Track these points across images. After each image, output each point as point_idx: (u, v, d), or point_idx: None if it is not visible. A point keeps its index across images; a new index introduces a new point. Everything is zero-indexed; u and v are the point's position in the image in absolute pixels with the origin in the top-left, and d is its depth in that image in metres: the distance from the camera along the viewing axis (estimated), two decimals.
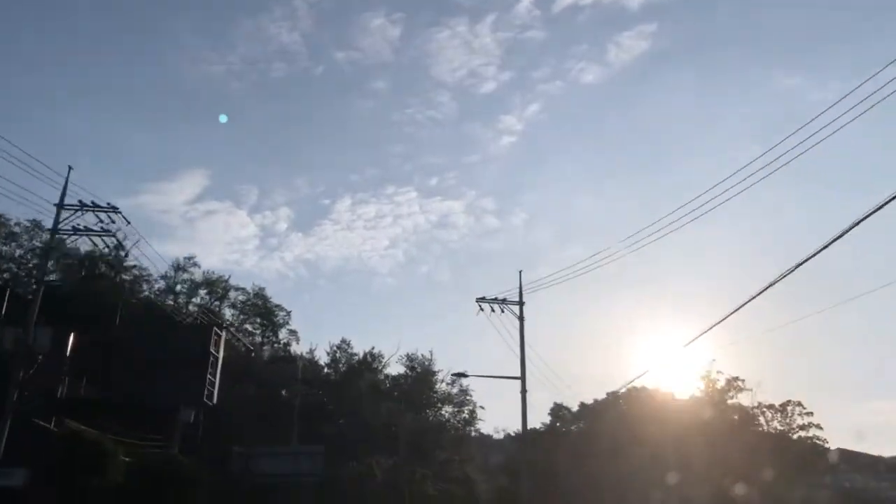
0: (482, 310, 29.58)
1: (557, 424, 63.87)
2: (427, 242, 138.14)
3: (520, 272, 30.08)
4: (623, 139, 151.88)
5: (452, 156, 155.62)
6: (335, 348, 58.15)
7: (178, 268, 50.11)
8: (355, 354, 58.21)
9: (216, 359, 34.15)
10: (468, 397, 61.02)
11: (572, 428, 63.86)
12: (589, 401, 61.80)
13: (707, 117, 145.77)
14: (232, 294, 53.09)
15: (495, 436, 69.58)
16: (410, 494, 39.41)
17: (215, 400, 33.51)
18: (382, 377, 59.15)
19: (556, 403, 62.60)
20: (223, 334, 36.22)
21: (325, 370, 57.18)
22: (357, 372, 55.68)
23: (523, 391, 28.69)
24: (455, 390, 62.13)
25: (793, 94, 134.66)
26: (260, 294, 54.79)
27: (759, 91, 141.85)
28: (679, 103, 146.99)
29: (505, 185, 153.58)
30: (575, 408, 62.43)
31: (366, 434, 44.87)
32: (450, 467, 51.99)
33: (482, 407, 61.60)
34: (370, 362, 58.21)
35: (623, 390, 54.71)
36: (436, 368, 60.11)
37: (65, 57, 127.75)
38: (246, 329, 54.23)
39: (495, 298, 29.55)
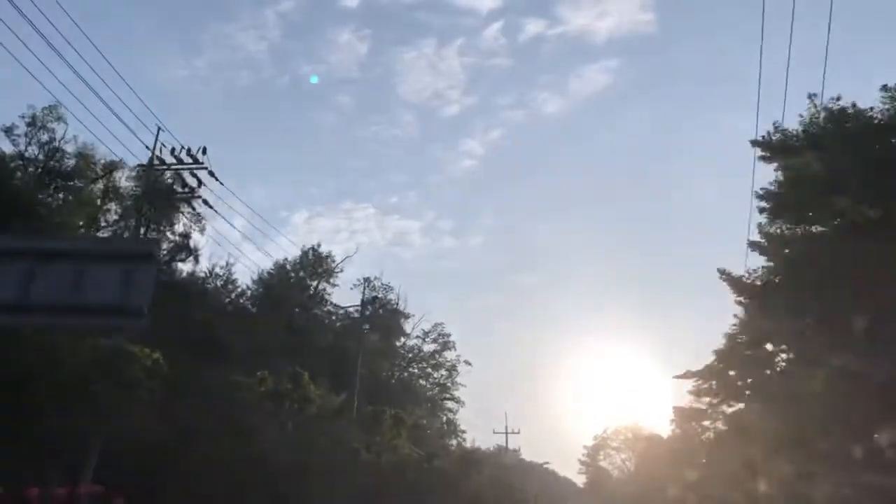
0: None
1: None
2: (382, 260, 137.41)
3: None
4: (581, 170, 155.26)
5: (413, 175, 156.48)
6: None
7: None
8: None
9: None
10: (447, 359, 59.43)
11: None
12: None
13: (663, 154, 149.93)
14: None
15: None
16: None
17: None
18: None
19: None
20: None
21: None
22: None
23: None
24: (431, 346, 60.95)
25: (748, 134, 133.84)
26: None
27: (714, 131, 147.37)
28: (637, 139, 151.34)
29: (464, 208, 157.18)
30: None
31: None
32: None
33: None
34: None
35: None
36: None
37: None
38: None
39: None
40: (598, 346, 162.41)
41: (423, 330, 60.20)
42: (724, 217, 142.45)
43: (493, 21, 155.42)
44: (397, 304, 55.56)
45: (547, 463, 69.03)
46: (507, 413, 73.22)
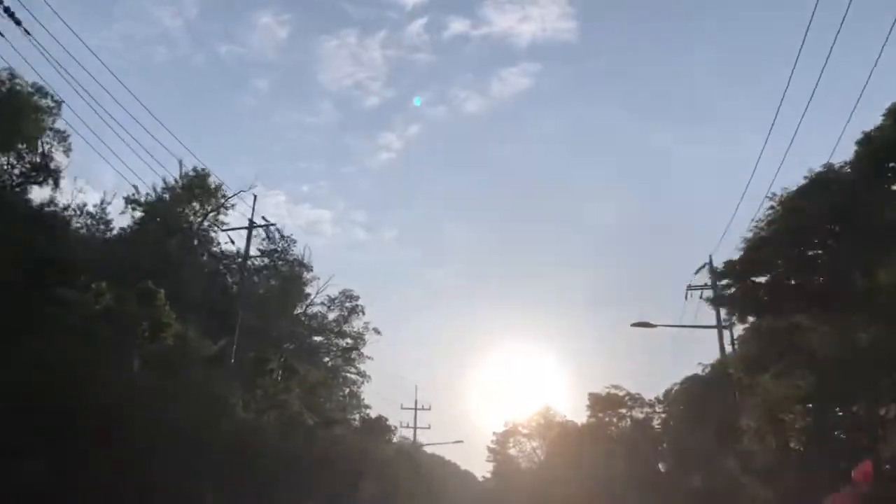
0: None
1: None
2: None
3: None
4: (498, 171, 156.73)
5: (328, 165, 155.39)
6: None
7: None
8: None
9: None
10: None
11: None
12: None
13: (579, 161, 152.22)
14: None
15: None
16: None
17: None
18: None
19: None
20: None
21: None
22: None
23: None
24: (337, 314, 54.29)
25: (663, 149, 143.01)
26: None
27: (629, 142, 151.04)
28: (554, 144, 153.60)
29: (378, 201, 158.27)
30: None
31: None
32: None
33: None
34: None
35: None
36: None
37: None
38: None
39: None
40: (510, 343, 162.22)
41: (328, 296, 53.12)
42: (632, 225, 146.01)
43: (418, 16, 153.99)
44: (302, 258, 48.39)
45: (459, 441, 63.07)
46: (417, 386, 65.85)
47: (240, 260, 31.10)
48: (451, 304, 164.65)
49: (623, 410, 65.50)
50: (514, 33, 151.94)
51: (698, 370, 35.42)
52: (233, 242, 30.41)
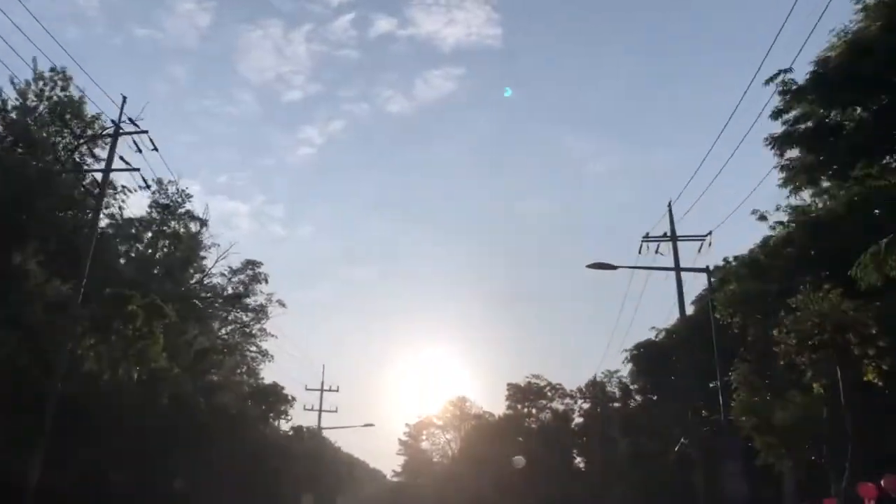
0: None
1: None
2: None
3: None
4: (418, 172, 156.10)
5: (246, 157, 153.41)
6: None
7: None
8: None
9: None
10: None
11: None
12: None
13: (497, 165, 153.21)
14: None
15: None
16: None
17: None
18: None
19: None
20: None
21: None
22: None
23: None
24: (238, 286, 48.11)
25: (578, 157, 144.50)
26: None
27: (546, 149, 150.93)
28: (477, 147, 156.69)
29: (296, 196, 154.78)
30: None
31: None
32: None
33: None
34: None
35: None
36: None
37: None
38: None
39: None
40: (428, 342, 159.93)
41: (229, 267, 46.62)
42: (552, 227, 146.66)
43: (345, 13, 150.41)
44: (202, 218, 42.21)
45: (370, 424, 57.66)
46: (324, 366, 59.45)
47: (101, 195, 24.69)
48: (368, 303, 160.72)
49: (543, 401, 62.69)
50: (440, 36, 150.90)
51: (651, 336, 31.59)
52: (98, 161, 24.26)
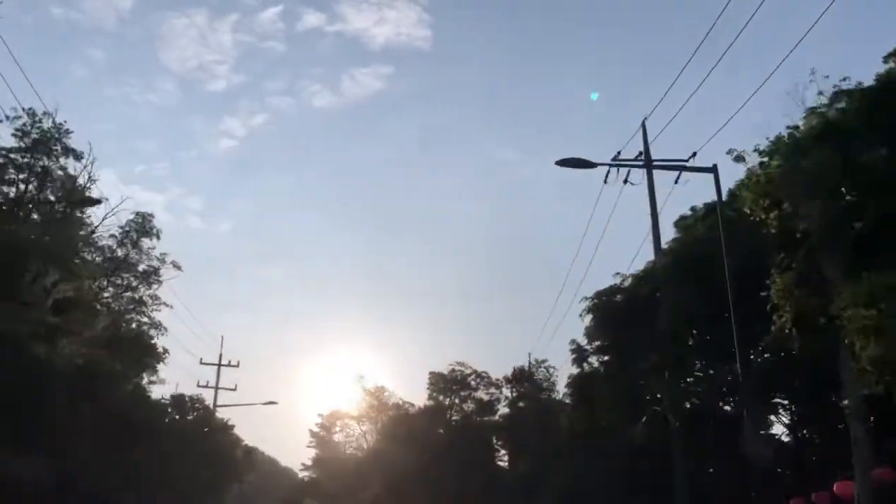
0: None
1: None
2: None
3: None
4: (342, 170, 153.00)
5: (164, 146, 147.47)
6: None
7: None
8: None
9: None
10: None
11: None
12: None
13: (424, 168, 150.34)
14: None
15: None
16: None
17: None
18: None
19: None
20: None
21: None
22: None
23: None
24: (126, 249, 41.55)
25: (509, 162, 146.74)
26: None
27: (476, 151, 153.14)
28: (402, 148, 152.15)
29: (216, 189, 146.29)
30: None
31: None
32: None
33: None
34: None
35: None
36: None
37: None
38: None
39: None
40: (347, 341, 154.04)
41: (119, 229, 39.84)
42: (469, 234, 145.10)
43: (272, 4, 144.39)
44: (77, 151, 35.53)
45: (272, 402, 52.07)
46: (223, 338, 52.62)
47: None
48: (285, 301, 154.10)
49: (467, 392, 58.78)
50: (369, 34, 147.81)
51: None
52: None
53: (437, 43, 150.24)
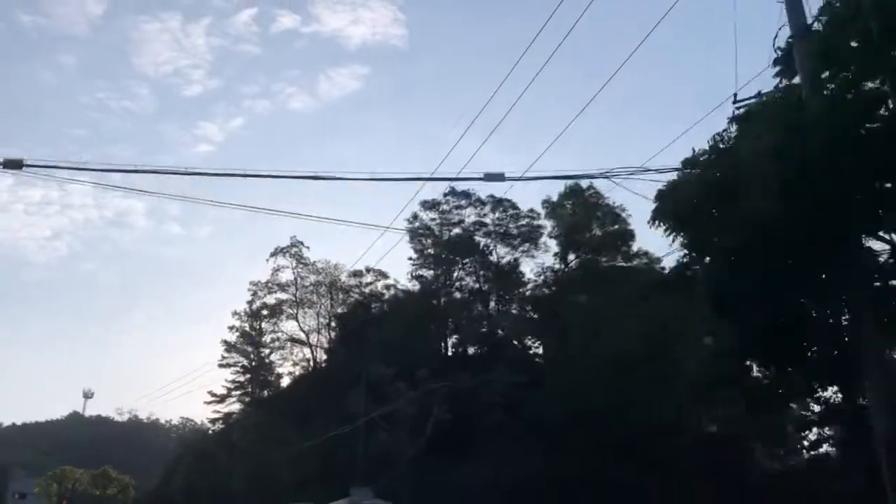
0: None
1: None
2: (97, 240, 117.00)
3: None
4: (320, 170, 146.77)
5: (142, 153, 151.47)
6: None
7: None
8: None
9: None
10: None
11: None
12: None
13: (400, 166, 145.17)
14: None
15: None
16: None
17: None
18: None
19: None
20: None
21: None
22: None
23: None
24: None
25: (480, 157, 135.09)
26: None
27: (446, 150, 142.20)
28: (379, 147, 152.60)
29: (195, 195, 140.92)
30: None
31: None
32: None
33: None
34: None
35: None
36: None
37: None
38: None
39: None
40: None
41: None
42: None
43: (246, 7, 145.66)
44: None
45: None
46: None
47: None
48: None
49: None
50: (345, 35, 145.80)
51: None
52: None
53: (413, 41, 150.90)
